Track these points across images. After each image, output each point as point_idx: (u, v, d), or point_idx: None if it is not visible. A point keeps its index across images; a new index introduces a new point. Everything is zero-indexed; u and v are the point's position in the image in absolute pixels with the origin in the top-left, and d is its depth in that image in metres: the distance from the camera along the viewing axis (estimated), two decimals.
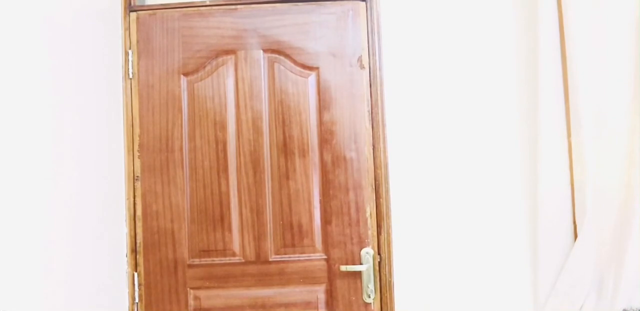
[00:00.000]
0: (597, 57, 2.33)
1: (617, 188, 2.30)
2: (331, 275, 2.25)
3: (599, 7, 2.33)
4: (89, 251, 2.47)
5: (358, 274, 2.24)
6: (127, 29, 2.32)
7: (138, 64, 2.31)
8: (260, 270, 2.26)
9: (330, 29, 2.30)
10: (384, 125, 2.30)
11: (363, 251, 2.24)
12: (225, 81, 2.31)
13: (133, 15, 2.32)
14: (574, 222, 2.36)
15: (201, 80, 2.31)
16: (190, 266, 2.27)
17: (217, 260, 2.27)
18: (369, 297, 2.23)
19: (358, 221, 2.25)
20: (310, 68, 2.30)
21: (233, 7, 2.32)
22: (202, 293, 2.26)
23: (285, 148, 2.28)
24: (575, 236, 2.36)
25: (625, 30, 2.32)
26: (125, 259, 2.27)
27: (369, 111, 2.28)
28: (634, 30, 2.31)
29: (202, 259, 2.27)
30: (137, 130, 2.30)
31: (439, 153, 2.46)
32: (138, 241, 2.27)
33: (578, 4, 2.32)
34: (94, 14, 2.49)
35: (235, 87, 2.31)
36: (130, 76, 2.31)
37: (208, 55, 2.31)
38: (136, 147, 2.30)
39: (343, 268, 2.22)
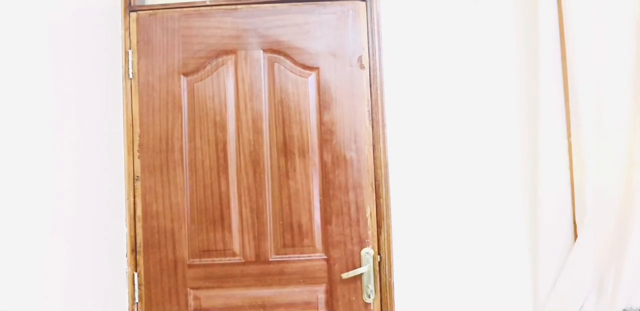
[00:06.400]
0: (597, 57, 2.33)
1: (617, 188, 2.30)
2: (331, 275, 2.25)
3: (599, 7, 2.33)
4: (88, 251, 2.47)
5: (358, 274, 2.24)
6: (127, 29, 2.32)
7: (138, 63, 2.31)
8: (260, 270, 2.26)
9: (330, 29, 2.30)
10: (384, 125, 2.29)
11: (363, 252, 2.24)
12: (225, 81, 2.31)
13: (133, 15, 2.32)
14: (574, 222, 2.36)
15: (201, 80, 2.31)
16: (190, 266, 2.27)
17: (217, 260, 2.27)
18: (369, 297, 2.23)
19: (358, 221, 2.25)
20: (310, 68, 2.30)
21: (233, 7, 2.32)
22: (202, 293, 2.26)
23: (285, 148, 2.28)
24: (575, 236, 2.36)
25: (625, 30, 2.32)
26: (125, 259, 2.27)
27: (369, 111, 2.28)
28: (634, 30, 2.31)
29: (202, 259, 2.27)
30: (137, 130, 2.30)
31: (439, 153, 2.46)
32: (138, 241, 2.27)
33: (578, 4, 2.32)
34: (94, 14, 2.49)
35: (235, 87, 2.31)
36: (130, 76, 2.31)
37: (208, 55, 2.31)
38: (136, 147, 2.29)
39: (345, 275, 2.21)
